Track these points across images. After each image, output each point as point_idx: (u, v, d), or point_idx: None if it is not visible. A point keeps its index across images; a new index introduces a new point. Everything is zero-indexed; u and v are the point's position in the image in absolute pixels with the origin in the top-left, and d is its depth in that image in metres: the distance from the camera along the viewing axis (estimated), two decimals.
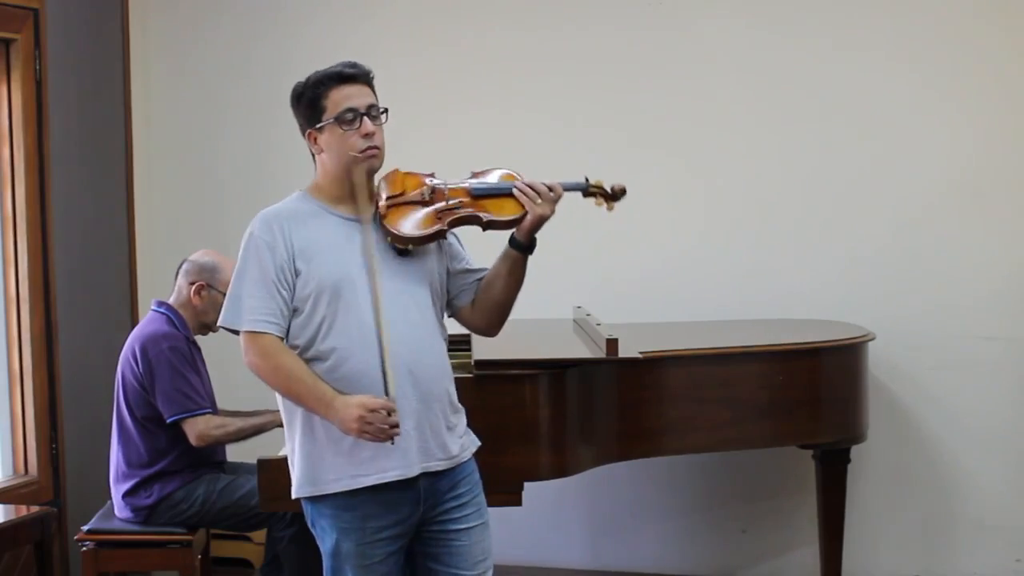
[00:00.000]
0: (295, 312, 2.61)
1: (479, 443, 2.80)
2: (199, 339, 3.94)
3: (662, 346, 3.62)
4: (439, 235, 2.66)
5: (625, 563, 4.79)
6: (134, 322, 4.72)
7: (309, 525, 2.72)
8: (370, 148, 2.62)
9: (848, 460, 4.09)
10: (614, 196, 2.79)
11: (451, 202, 2.65)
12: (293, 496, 2.69)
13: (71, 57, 4.62)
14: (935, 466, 4.52)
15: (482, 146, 4.52)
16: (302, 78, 2.70)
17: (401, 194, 2.65)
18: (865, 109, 4.51)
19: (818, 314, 4.45)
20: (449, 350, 4.03)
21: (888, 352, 4.40)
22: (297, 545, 3.70)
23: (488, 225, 2.68)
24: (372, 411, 2.49)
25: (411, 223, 2.63)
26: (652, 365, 3.52)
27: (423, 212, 2.64)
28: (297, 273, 2.59)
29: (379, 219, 2.64)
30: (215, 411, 3.82)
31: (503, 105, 4.78)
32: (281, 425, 3.86)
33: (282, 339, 2.60)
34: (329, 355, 2.59)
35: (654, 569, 4.74)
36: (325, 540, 2.66)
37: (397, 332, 2.59)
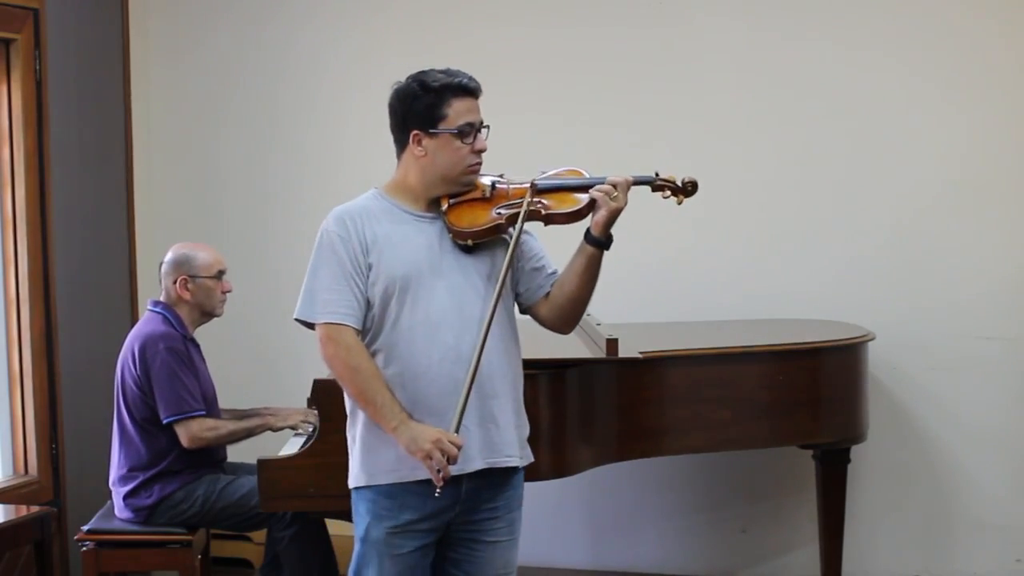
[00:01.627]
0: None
1: (532, 459, 2.80)
2: (201, 332, 3.94)
3: (662, 346, 3.62)
4: (497, 230, 2.67)
5: (625, 563, 4.79)
6: (134, 322, 4.72)
7: (352, 512, 2.73)
8: (477, 164, 2.68)
9: (848, 460, 4.09)
10: (684, 190, 2.81)
11: (512, 199, 2.67)
12: (350, 486, 2.71)
13: (71, 57, 4.62)
14: (935, 466, 4.52)
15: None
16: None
17: (465, 192, 2.69)
18: (865, 109, 4.52)
19: (818, 314, 4.45)
20: None
21: (888, 352, 4.40)
22: (297, 545, 3.71)
23: (549, 219, 2.69)
24: (442, 450, 2.52)
25: (469, 219, 2.66)
26: (652, 365, 3.53)
27: (482, 209, 2.67)
28: (369, 267, 2.62)
29: (443, 217, 2.67)
30: (212, 411, 3.82)
31: (502, 104, 4.75)
32: (273, 429, 3.91)
33: (359, 332, 2.62)
34: (391, 349, 2.62)
35: (654, 569, 4.74)
36: (359, 525, 2.69)
37: (458, 329, 2.61)
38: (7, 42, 4.34)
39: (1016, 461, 4.43)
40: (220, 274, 3.89)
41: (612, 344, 3.36)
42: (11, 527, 3.64)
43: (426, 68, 2.71)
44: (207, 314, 3.90)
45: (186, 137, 5.15)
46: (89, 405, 4.53)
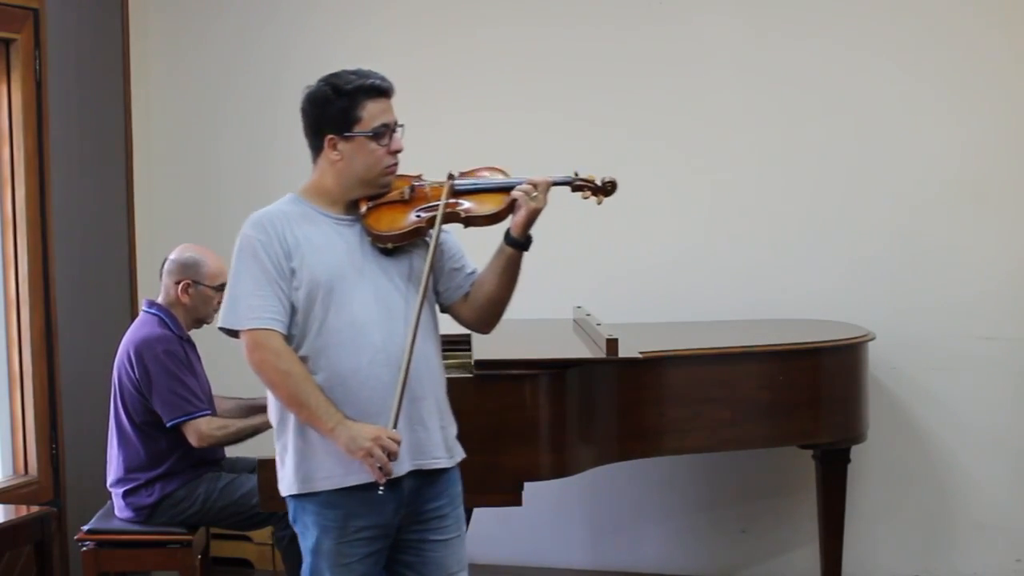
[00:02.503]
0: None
1: (464, 455, 2.78)
2: (194, 333, 3.94)
3: (662, 346, 3.62)
4: (417, 233, 2.66)
5: (625, 563, 4.79)
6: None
7: (291, 522, 2.73)
8: (394, 165, 2.67)
9: (848, 460, 4.09)
10: (603, 190, 2.76)
11: (431, 200, 2.66)
12: (283, 494, 2.69)
13: (71, 57, 4.62)
14: (935, 466, 4.52)
15: (481, 145, 4.50)
16: (315, 80, 2.68)
17: (383, 195, 2.67)
18: (865, 109, 4.51)
19: (818, 314, 4.45)
20: (449, 350, 4.04)
21: (888, 352, 4.40)
22: (297, 545, 3.70)
23: (468, 221, 2.68)
24: (382, 447, 2.51)
25: (388, 222, 2.64)
26: (652, 365, 3.52)
27: (401, 211, 2.66)
28: (292, 272, 2.60)
29: (362, 220, 2.65)
30: (214, 411, 3.82)
31: (502, 103, 4.78)
32: None
33: (286, 337, 2.60)
34: (319, 354, 2.59)
35: (654, 569, 4.74)
36: (306, 537, 2.67)
37: (385, 330, 2.60)
38: (7, 42, 4.34)
39: (1016, 461, 4.43)
40: (222, 287, 3.86)
41: (612, 344, 3.36)
42: (11, 527, 3.65)
43: (338, 71, 2.68)
44: (199, 320, 3.89)
45: (186, 137, 5.15)
46: (89, 405, 4.53)
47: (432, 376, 2.69)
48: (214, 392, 3.95)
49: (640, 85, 4.70)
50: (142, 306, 3.92)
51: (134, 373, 3.72)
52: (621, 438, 3.50)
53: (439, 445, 2.68)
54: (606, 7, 4.72)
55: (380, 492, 2.54)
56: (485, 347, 3.38)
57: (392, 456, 2.52)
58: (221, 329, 2.65)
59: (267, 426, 3.82)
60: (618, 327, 3.65)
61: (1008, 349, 4.40)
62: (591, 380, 3.38)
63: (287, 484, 2.67)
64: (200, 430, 3.69)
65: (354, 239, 2.65)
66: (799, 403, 3.78)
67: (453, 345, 3.99)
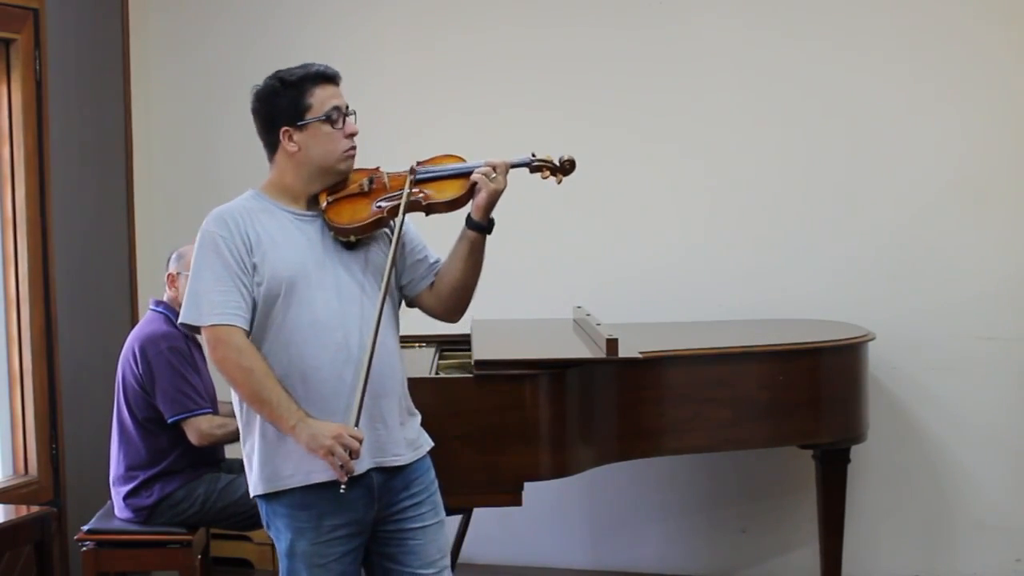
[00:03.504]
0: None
1: (432, 443, 2.78)
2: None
3: (662, 346, 3.62)
4: (378, 224, 2.65)
5: (625, 563, 4.78)
6: (134, 322, 4.72)
7: (264, 526, 2.72)
8: (352, 148, 2.67)
9: (848, 460, 4.09)
10: (561, 169, 2.76)
11: (391, 191, 2.65)
12: (251, 495, 2.68)
13: (71, 57, 4.62)
14: (935, 466, 4.52)
15: (480, 144, 4.48)
16: (266, 76, 2.69)
17: (343, 188, 2.67)
18: (865, 109, 4.51)
19: (818, 314, 4.45)
20: (449, 350, 4.04)
21: (888, 352, 4.40)
22: None
23: (429, 208, 2.67)
24: (344, 445, 2.49)
25: (349, 214, 2.64)
26: (652, 365, 3.52)
27: (362, 203, 2.65)
28: (254, 267, 2.59)
29: (322, 214, 2.65)
30: (215, 410, 3.82)
31: (501, 103, 4.78)
32: None
33: (248, 333, 2.58)
34: (278, 351, 2.59)
35: (654, 569, 4.74)
36: (280, 540, 2.66)
37: (346, 327, 2.59)
38: (7, 42, 4.34)
39: (1016, 461, 4.43)
40: None
41: (612, 344, 3.36)
42: (11, 527, 3.64)
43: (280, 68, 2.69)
44: None
45: (186, 137, 5.15)
46: (89, 405, 4.53)
47: (393, 372, 2.68)
48: (218, 396, 3.95)
49: (640, 85, 4.69)
50: (149, 305, 3.93)
51: (138, 369, 3.73)
52: (621, 438, 3.50)
53: (399, 442, 2.67)
54: (605, 8, 4.72)
55: (342, 491, 2.52)
56: (485, 347, 3.38)
57: (354, 454, 2.51)
58: (183, 325, 2.62)
59: None
60: (618, 327, 3.65)
61: (1008, 349, 4.40)
62: (591, 380, 3.38)
63: (253, 484, 2.66)
64: (200, 428, 3.70)
65: (315, 235, 2.65)
66: (799, 403, 3.78)
67: (453, 345, 4.00)
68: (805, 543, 4.53)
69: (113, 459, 3.81)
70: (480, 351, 3.38)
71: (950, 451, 4.50)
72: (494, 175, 2.63)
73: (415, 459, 2.71)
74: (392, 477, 2.66)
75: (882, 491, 4.54)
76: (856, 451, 4.12)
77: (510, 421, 3.22)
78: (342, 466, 2.50)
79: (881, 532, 4.55)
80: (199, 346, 3.92)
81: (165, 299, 3.89)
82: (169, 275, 3.86)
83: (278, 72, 2.68)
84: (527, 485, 3.25)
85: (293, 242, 2.62)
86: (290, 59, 5.25)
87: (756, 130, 4.62)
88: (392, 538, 2.69)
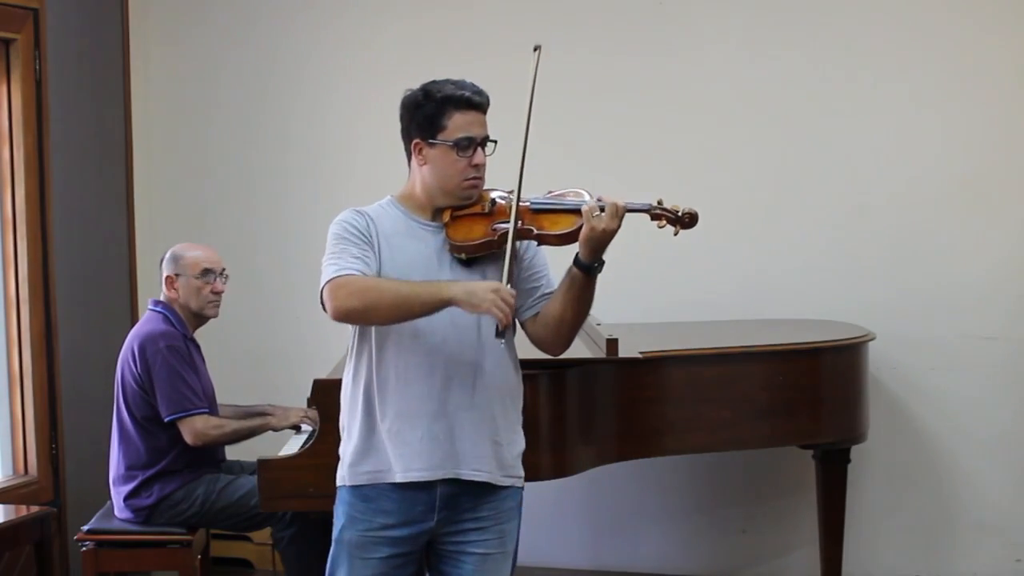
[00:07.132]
0: None
1: (523, 486, 2.73)
2: (198, 335, 3.94)
3: (662, 346, 3.62)
4: (488, 246, 2.64)
5: (625, 563, 4.79)
6: (134, 322, 4.72)
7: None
8: (475, 179, 2.64)
9: (848, 460, 4.09)
10: (681, 221, 2.73)
11: (510, 216, 2.61)
12: (337, 484, 2.68)
13: (71, 57, 4.62)
14: (935, 466, 4.53)
15: None
16: (421, 83, 2.65)
17: (468, 205, 2.67)
18: (865, 109, 4.52)
19: (818, 314, 4.45)
20: None
21: (888, 352, 4.40)
22: (297, 545, 3.71)
23: (541, 239, 2.66)
24: (502, 298, 2.45)
25: (464, 232, 2.64)
26: (652, 365, 3.52)
27: (480, 223, 2.64)
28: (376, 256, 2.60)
29: (444, 228, 2.66)
30: (213, 410, 3.83)
31: (501, 103, 4.77)
32: (275, 429, 3.91)
33: None
34: (381, 353, 2.59)
35: (654, 569, 4.74)
36: (335, 525, 2.68)
37: (463, 338, 2.59)
38: (7, 42, 4.34)
39: (1016, 461, 4.44)
40: (205, 273, 3.85)
41: (612, 344, 3.36)
42: (11, 527, 3.65)
43: (439, 78, 2.67)
44: (198, 315, 3.88)
45: (186, 137, 5.15)
46: (89, 405, 4.53)
47: (498, 387, 2.64)
48: (218, 399, 3.95)
49: (640, 86, 4.70)
50: (148, 305, 3.93)
51: (136, 368, 3.73)
52: (621, 438, 3.50)
53: (482, 458, 2.62)
54: (605, 10, 4.72)
55: (501, 345, 2.53)
56: None
57: (509, 308, 2.46)
58: (321, 303, 2.56)
59: (264, 428, 3.87)
60: (618, 327, 3.66)
61: (1008, 349, 4.41)
62: (591, 380, 3.39)
63: (339, 477, 2.68)
64: (196, 427, 3.70)
65: (435, 246, 2.64)
66: (799, 403, 3.78)
67: None
68: (805, 543, 4.53)
69: (113, 459, 3.82)
70: None
71: (950, 451, 4.50)
72: (598, 213, 2.55)
73: (495, 482, 2.65)
74: (464, 492, 2.62)
75: (882, 491, 4.54)
76: (856, 451, 4.12)
77: None
78: (506, 312, 2.44)
79: (881, 532, 4.56)
80: (198, 346, 3.92)
81: (163, 299, 3.89)
82: (167, 277, 3.85)
83: (429, 83, 2.65)
84: (527, 485, 3.24)
85: (410, 251, 2.63)
86: (291, 60, 5.28)
87: (756, 130, 4.62)
88: (450, 557, 2.66)
